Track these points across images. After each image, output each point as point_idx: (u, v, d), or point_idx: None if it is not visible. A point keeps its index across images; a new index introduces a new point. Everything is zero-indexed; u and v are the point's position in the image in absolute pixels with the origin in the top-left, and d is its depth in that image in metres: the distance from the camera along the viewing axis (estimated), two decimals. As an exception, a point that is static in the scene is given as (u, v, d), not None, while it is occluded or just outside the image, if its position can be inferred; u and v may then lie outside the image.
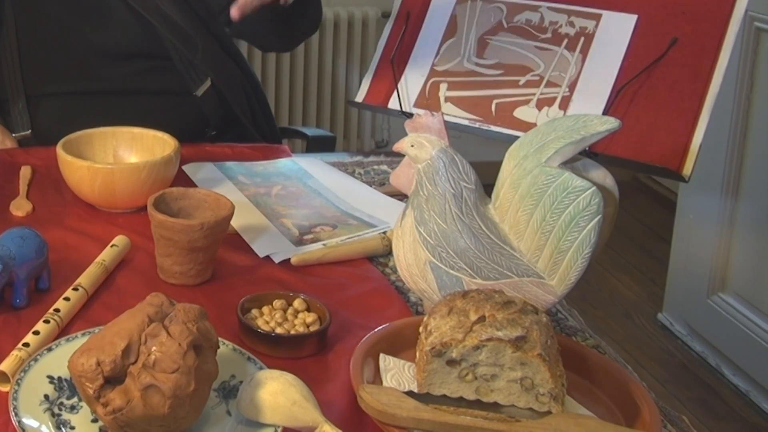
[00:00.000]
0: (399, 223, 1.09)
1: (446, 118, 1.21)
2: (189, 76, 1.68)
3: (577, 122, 1.02)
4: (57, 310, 1.07)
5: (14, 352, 0.99)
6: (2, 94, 1.67)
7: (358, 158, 1.67)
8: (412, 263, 1.07)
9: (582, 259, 1.00)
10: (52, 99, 1.67)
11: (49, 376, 0.95)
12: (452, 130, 1.14)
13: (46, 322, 1.05)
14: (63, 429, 0.89)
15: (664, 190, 3.86)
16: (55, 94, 1.67)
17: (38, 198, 1.41)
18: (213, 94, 1.70)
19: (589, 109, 1.37)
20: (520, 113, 1.44)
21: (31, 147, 1.62)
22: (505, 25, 1.52)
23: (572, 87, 1.41)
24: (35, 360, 0.96)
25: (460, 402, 0.89)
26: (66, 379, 0.94)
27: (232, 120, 1.74)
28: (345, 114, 3.75)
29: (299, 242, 1.30)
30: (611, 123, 1.02)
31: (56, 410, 0.91)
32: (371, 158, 1.68)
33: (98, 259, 1.19)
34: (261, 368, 0.97)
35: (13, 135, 1.65)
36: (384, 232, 1.32)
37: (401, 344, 1.02)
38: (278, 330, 1.06)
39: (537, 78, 1.45)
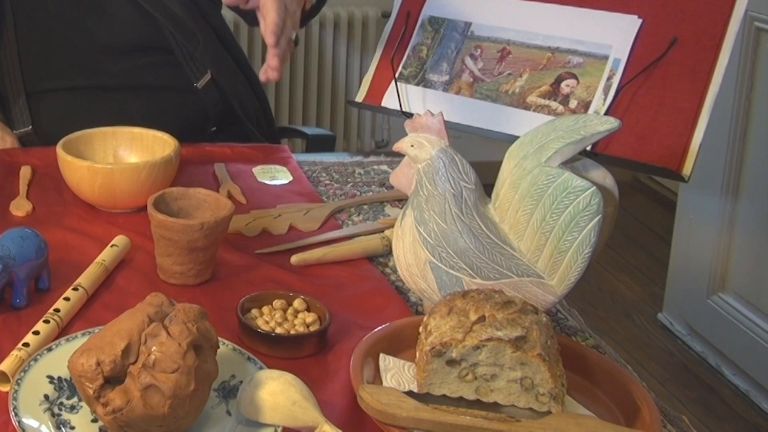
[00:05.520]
0: (399, 223, 1.09)
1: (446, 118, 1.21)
2: (190, 69, 1.69)
3: (577, 122, 1.02)
4: (57, 310, 1.07)
5: (14, 352, 0.99)
6: (2, 91, 1.67)
7: (358, 158, 1.67)
8: (412, 263, 1.07)
9: (582, 259, 1.00)
10: (53, 95, 1.66)
11: (49, 376, 0.95)
12: (452, 130, 1.14)
13: (46, 322, 1.05)
14: (63, 429, 0.89)
15: (664, 190, 3.86)
16: (55, 90, 1.66)
17: (38, 198, 1.41)
18: (213, 88, 1.71)
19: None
20: (520, 113, 1.44)
21: (31, 147, 1.62)
22: (505, 25, 1.51)
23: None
24: (35, 360, 0.96)
25: (460, 402, 0.89)
26: (66, 379, 0.94)
27: (232, 116, 1.74)
28: (345, 114, 3.75)
29: None
30: (611, 123, 1.02)
31: (56, 410, 0.91)
32: (371, 158, 1.68)
33: (98, 259, 1.19)
34: (261, 368, 0.97)
35: (14, 131, 1.64)
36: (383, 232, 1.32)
37: (401, 344, 1.02)
38: (278, 330, 1.06)
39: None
